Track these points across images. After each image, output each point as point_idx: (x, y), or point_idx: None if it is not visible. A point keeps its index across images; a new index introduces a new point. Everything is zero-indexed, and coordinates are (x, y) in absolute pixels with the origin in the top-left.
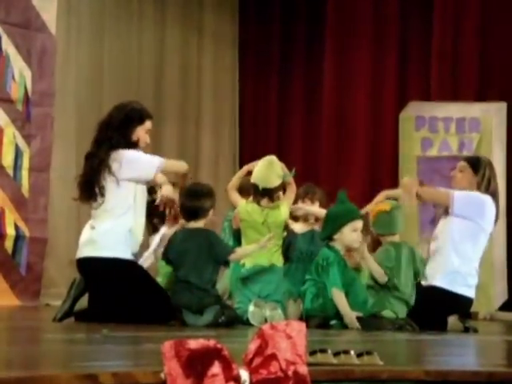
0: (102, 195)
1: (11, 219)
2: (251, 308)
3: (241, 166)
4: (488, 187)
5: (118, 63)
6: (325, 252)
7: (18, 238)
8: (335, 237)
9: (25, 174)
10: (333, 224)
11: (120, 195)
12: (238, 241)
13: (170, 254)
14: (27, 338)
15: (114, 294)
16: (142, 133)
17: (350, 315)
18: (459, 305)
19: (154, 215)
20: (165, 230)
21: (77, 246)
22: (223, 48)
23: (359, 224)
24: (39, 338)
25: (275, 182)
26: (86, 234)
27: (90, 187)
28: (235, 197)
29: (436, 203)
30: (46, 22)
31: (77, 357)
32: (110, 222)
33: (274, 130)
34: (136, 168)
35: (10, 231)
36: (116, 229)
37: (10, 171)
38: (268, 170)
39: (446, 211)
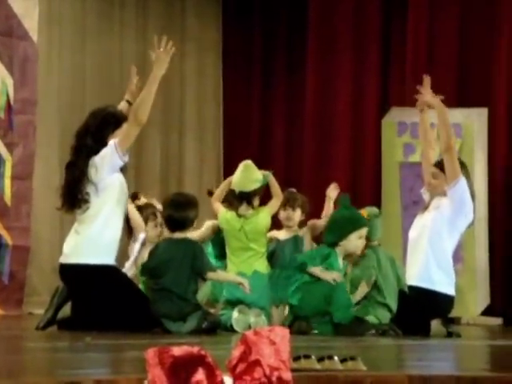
0: (86, 201)
1: None
2: (235, 314)
3: (225, 173)
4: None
5: (100, 70)
6: (323, 249)
7: (1, 246)
8: (341, 243)
9: (7, 182)
10: (340, 230)
11: (101, 201)
12: (216, 247)
13: (151, 262)
14: (10, 346)
15: (96, 300)
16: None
17: (329, 275)
18: (443, 305)
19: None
20: (144, 236)
21: (60, 255)
22: (206, 55)
23: (364, 231)
24: (22, 346)
25: (252, 186)
26: (70, 239)
27: (73, 196)
28: (217, 206)
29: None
30: (28, 29)
31: (60, 365)
32: (94, 228)
33: (256, 136)
34: (103, 162)
35: None
36: (99, 235)
37: None
38: (244, 174)
39: (425, 208)
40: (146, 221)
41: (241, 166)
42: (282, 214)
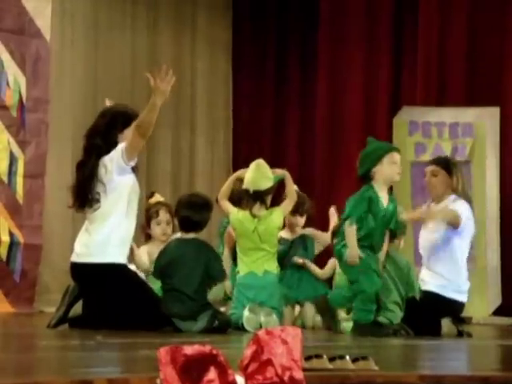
0: (97, 201)
1: (5, 226)
2: (246, 313)
3: (234, 172)
4: (464, 189)
5: (113, 68)
6: (362, 189)
7: (13, 244)
8: (374, 169)
9: (19, 180)
10: (371, 157)
11: (112, 201)
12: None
13: (162, 260)
14: (21, 345)
15: (106, 299)
16: (130, 135)
17: (354, 249)
18: (452, 309)
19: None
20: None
21: (71, 253)
22: (217, 53)
23: (397, 157)
24: (34, 344)
25: (266, 185)
26: (81, 238)
27: (84, 195)
28: (227, 206)
29: (448, 222)
30: (41, 27)
31: (71, 363)
32: (105, 228)
33: (268, 135)
34: (113, 166)
35: (5, 238)
36: (110, 234)
37: (5, 178)
38: (257, 172)
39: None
40: (150, 218)
41: (253, 165)
42: (290, 219)
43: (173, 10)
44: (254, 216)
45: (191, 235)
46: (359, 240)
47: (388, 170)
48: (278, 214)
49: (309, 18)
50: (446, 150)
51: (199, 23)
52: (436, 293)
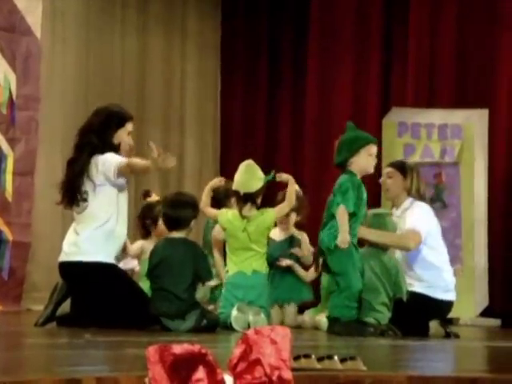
0: (85, 200)
1: None
2: (234, 313)
3: (222, 172)
4: (418, 191)
5: (103, 67)
6: (342, 177)
7: (1, 242)
8: (351, 160)
9: (8, 177)
10: (348, 148)
11: (100, 200)
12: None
13: (151, 261)
14: (9, 343)
15: (95, 297)
16: (123, 135)
17: (346, 234)
18: (440, 309)
19: (147, 218)
20: (141, 244)
21: (60, 251)
22: (206, 54)
23: (375, 149)
24: (21, 342)
25: (256, 186)
26: (69, 238)
27: (72, 193)
28: (211, 212)
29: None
30: (31, 25)
31: (60, 361)
32: (92, 228)
33: (257, 136)
34: (102, 170)
35: None
36: (98, 234)
37: None
38: (246, 174)
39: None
40: (157, 217)
41: (242, 167)
42: (284, 217)
43: (163, 12)
44: (243, 217)
45: (178, 234)
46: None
47: (364, 162)
48: (270, 216)
49: (299, 18)
50: (435, 152)
51: (189, 25)
52: (423, 294)
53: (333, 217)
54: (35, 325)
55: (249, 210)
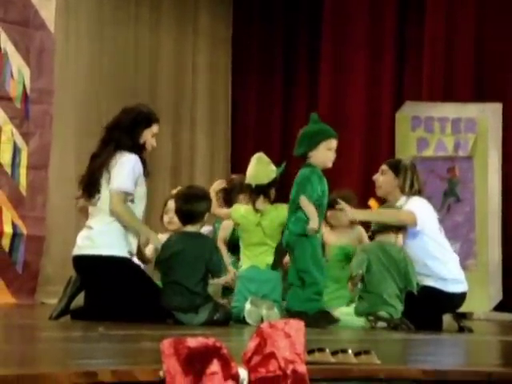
0: (99, 192)
1: (8, 217)
2: (247, 306)
3: (233, 168)
4: (412, 187)
5: (116, 61)
6: (302, 170)
7: (16, 235)
8: (310, 154)
9: (23, 171)
10: (308, 141)
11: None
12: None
13: (163, 255)
14: (24, 336)
15: (109, 291)
16: (148, 136)
17: (315, 220)
18: (452, 302)
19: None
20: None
21: (74, 245)
22: (218, 49)
23: (335, 143)
24: (36, 336)
25: (268, 178)
26: (83, 232)
27: (90, 186)
28: (222, 211)
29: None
30: (45, 19)
31: (74, 355)
32: (106, 222)
33: (268, 131)
34: (115, 174)
35: (8, 229)
36: (112, 227)
37: (8, 169)
38: (258, 166)
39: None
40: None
41: (254, 160)
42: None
43: (174, 7)
44: (257, 210)
45: (191, 228)
46: None
47: (323, 156)
48: (285, 212)
49: (313, 12)
50: (449, 146)
51: (200, 20)
52: (433, 287)
53: (297, 209)
54: (49, 318)
55: (262, 203)
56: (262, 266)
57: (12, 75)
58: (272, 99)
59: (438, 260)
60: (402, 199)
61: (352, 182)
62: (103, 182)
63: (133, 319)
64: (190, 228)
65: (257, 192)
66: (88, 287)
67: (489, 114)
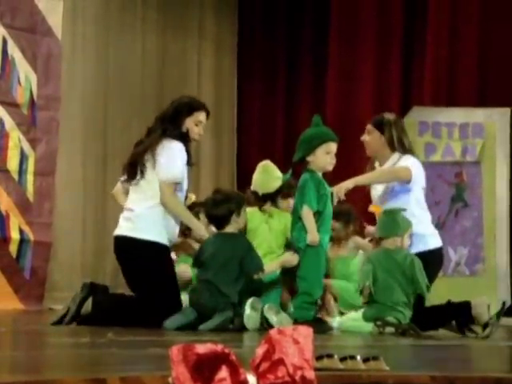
0: (142, 173)
1: (16, 223)
2: (247, 311)
3: (238, 172)
4: (403, 145)
5: (123, 67)
6: (302, 177)
7: (23, 241)
8: (308, 159)
9: (30, 178)
10: (306, 145)
11: (155, 179)
12: None
13: (201, 256)
14: (32, 342)
15: (138, 275)
16: (191, 124)
17: (314, 233)
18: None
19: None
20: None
21: (81, 251)
22: (223, 54)
23: (333, 147)
24: (44, 342)
25: (274, 185)
26: (124, 213)
27: (132, 167)
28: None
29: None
30: (52, 26)
31: (83, 361)
32: (149, 205)
33: (274, 136)
34: (162, 164)
35: (15, 235)
36: (154, 212)
37: (15, 175)
38: (264, 174)
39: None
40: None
41: (259, 168)
42: (283, 204)
43: (181, 12)
44: (263, 211)
45: (226, 230)
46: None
47: (321, 161)
48: (288, 220)
49: (318, 17)
50: (456, 151)
51: (206, 25)
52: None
53: (299, 218)
54: (53, 324)
55: (269, 207)
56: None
57: (19, 82)
58: (276, 105)
59: (415, 218)
60: (394, 156)
61: (360, 188)
62: (148, 165)
63: (138, 324)
64: (226, 230)
65: (264, 199)
66: (122, 268)
67: (496, 118)
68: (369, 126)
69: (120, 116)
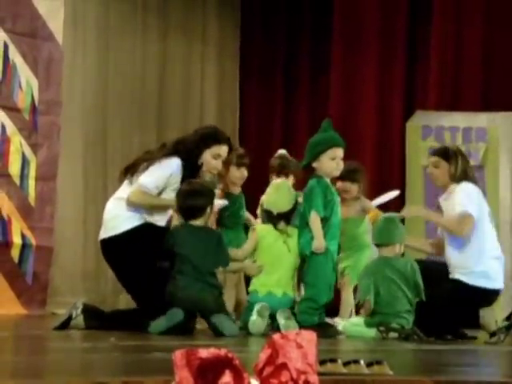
0: (131, 177)
1: (18, 228)
2: (254, 317)
3: None
4: (465, 176)
5: (124, 72)
6: (309, 183)
7: (25, 246)
8: (314, 165)
9: (31, 182)
10: (312, 151)
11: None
12: None
13: (174, 247)
14: (34, 347)
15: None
16: (208, 157)
17: (321, 240)
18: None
19: None
20: None
21: (83, 255)
22: (226, 58)
23: (338, 152)
24: (46, 346)
25: (289, 205)
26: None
27: (127, 168)
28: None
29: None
30: (53, 31)
31: (86, 365)
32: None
33: (277, 140)
34: (149, 170)
35: (17, 240)
36: (117, 205)
37: (17, 180)
38: (278, 194)
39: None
40: None
41: (274, 187)
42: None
43: (182, 17)
44: (279, 230)
45: (196, 223)
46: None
47: (327, 167)
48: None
49: (321, 20)
50: None
51: (208, 29)
52: (461, 281)
53: (306, 223)
54: (54, 328)
55: (284, 226)
56: (279, 293)
57: (20, 86)
58: (278, 109)
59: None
60: (451, 188)
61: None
62: (138, 174)
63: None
64: (193, 222)
65: (278, 218)
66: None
67: (499, 123)
68: (434, 158)
69: (121, 121)
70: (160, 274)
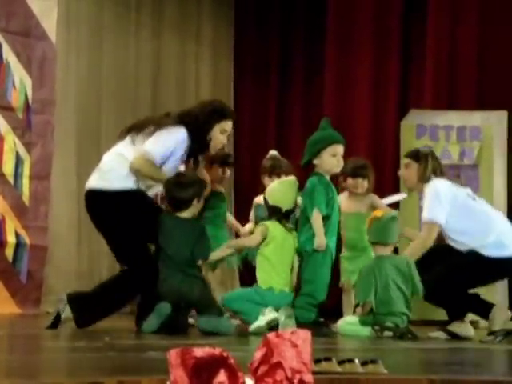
0: (135, 136)
1: (12, 227)
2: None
3: (235, 177)
4: (432, 173)
5: (117, 71)
6: (310, 180)
7: (19, 245)
8: (315, 162)
9: (25, 181)
10: (312, 149)
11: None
12: None
13: (163, 240)
14: (28, 346)
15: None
16: (217, 133)
17: (322, 238)
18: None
19: None
20: None
21: (77, 254)
22: (220, 58)
23: (339, 149)
24: (41, 346)
25: (293, 204)
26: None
27: (129, 129)
28: (256, 234)
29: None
30: (47, 30)
31: (80, 365)
32: (117, 159)
33: (271, 139)
34: (155, 138)
35: (11, 239)
36: (118, 162)
37: (11, 179)
38: (289, 191)
39: None
40: None
41: (286, 183)
42: (269, 183)
43: (176, 16)
44: (286, 228)
45: (183, 215)
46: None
47: (328, 164)
48: None
49: (315, 20)
50: (454, 154)
51: (202, 28)
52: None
53: (307, 220)
54: (47, 328)
55: (287, 224)
56: (277, 288)
57: (14, 85)
58: (273, 108)
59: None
60: (423, 188)
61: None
62: (144, 135)
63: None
64: (180, 214)
65: (286, 215)
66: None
67: (494, 121)
68: (405, 160)
69: (114, 120)
70: (143, 240)
